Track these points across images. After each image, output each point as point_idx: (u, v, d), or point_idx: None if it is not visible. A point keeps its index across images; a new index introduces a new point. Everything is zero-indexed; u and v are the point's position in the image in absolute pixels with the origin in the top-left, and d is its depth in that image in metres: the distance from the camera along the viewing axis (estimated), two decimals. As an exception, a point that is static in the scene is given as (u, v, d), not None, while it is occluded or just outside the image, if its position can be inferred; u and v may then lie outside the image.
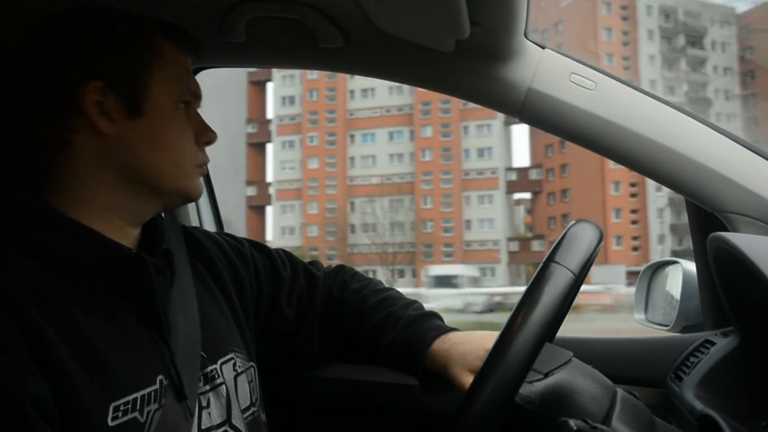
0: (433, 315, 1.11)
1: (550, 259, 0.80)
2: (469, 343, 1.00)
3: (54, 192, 0.85)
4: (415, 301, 1.15)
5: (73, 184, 0.86)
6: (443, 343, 1.03)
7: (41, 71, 0.86)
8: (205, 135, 0.93)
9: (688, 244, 1.32)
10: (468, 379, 0.95)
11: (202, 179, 0.96)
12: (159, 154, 0.88)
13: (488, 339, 0.97)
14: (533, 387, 0.83)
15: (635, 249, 39.87)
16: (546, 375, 0.85)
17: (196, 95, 0.93)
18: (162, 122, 0.88)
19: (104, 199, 0.86)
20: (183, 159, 0.90)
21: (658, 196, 38.43)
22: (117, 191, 0.87)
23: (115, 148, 0.86)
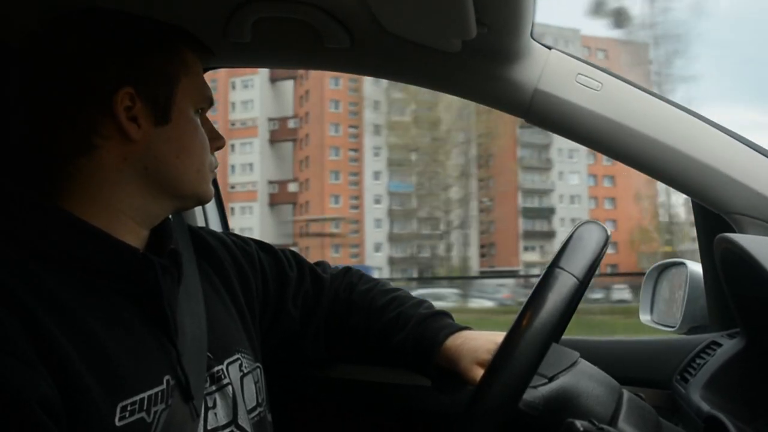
0: (444, 314, 1.11)
1: (555, 264, 0.80)
2: (480, 339, 1.01)
3: (69, 194, 0.85)
4: (425, 300, 1.15)
5: (91, 187, 0.86)
6: (455, 340, 1.04)
7: (67, 76, 0.85)
8: (217, 141, 0.96)
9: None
10: (478, 373, 0.95)
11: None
12: (184, 161, 0.89)
13: (499, 335, 0.98)
14: (537, 392, 0.83)
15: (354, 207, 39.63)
16: (551, 379, 0.84)
17: (211, 102, 0.95)
18: (186, 130, 0.90)
19: (121, 202, 0.87)
20: (203, 165, 0.92)
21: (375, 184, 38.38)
22: (136, 195, 0.87)
23: (141, 154, 0.86)
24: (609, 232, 0.84)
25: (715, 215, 1.07)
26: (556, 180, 40.40)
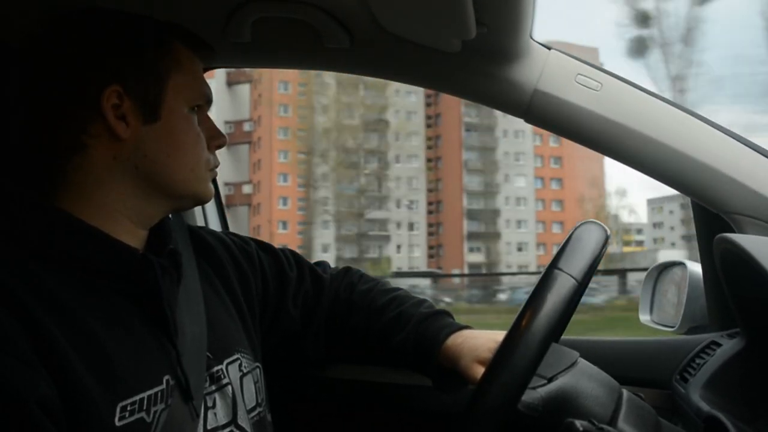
0: (445, 313, 1.11)
1: (554, 265, 0.80)
2: (481, 338, 1.01)
3: (65, 194, 0.85)
4: (425, 300, 1.15)
5: (86, 187, 0.86)
6: (456, 339, 1.04)
7: (62, 75, 0.85)
8: (216, 139, 0.94)
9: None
10: (478, 371, 0.95)
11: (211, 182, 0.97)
12: (175, 159, 0.88)
13: (499, 334, 0.98)
14: (536, 393, 0.83)
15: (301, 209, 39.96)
16: (550, 380, 0.84)
17: (208, 99, 0.94)
18: (178, 128, 0.88)
19: (116, 202, 0.87)
20: (197, 164, 0.91)
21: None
22: (129, 195, 0.87)
23: (131, 153, 0.86)
24: (609, 232, 0.84)
25: (715, 215, 1.07)
26: (502, 182, 40.62)
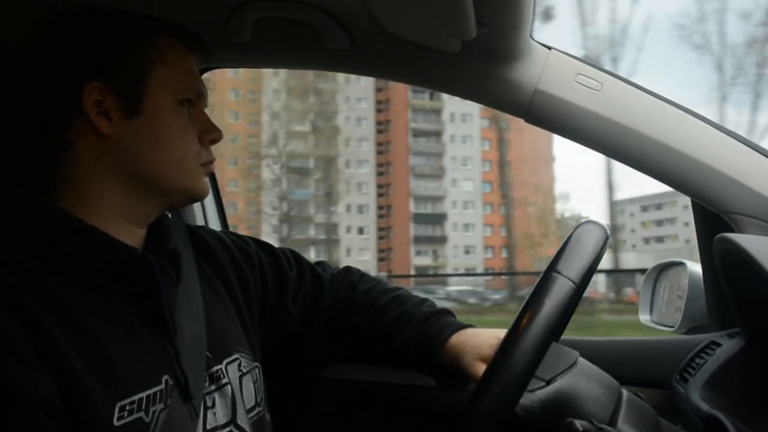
0: (447, 312, 1.11)
1: (552, 268, 0.79)
2: (483, 335, 1.01)
3: (61, 193, 0.86)
4: (426, 299, 1.14)
5: (78, 186, 0.86)
6: (458, 338, 1.03)
7: (42, 72, 0.86)
8: (210, 134, 0.93)
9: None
10: (480, 368, 0.95)
11: (207, 179, 0.95)
12: (159, 154, 0.87)
13: (501, 332, 0.97)
14: (534, 395, 0.83)
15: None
16: (548, 382, 0.84)
17: (199, 94, 0.93)
18: (161, 122, 0.87)
19: (108, 200, 0.87)
20: (184, 158, 0.89)
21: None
22: (120, 192, 0.87)
23: (115, 149, 0.86)
24: (609, 232, 0.84)
25: (715, 215, 1.07)
26: (449, 186, 40.94)
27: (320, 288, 1.17)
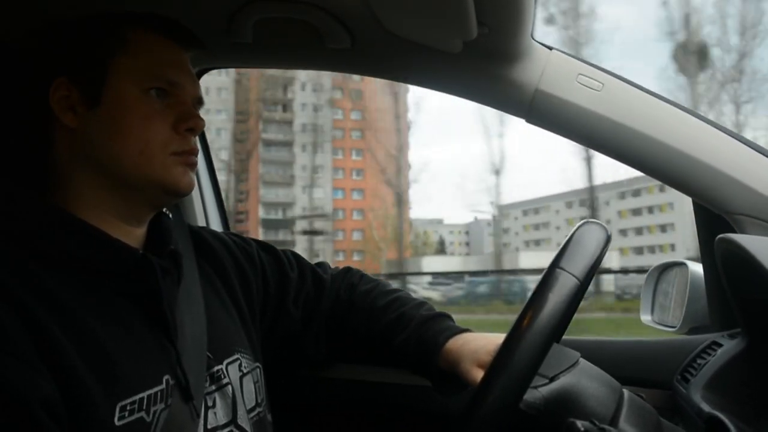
0: (445, 315, 1.11)
1: (555, 264, 0.80)
2: (480, 340, 1.00)
3: (53, 192, 0.87)
4: (425, 302, 1.14)
5: (62, 182, 0.87)
6: (456, 342, 1.03)
7: (15, 73, 0.88)
8: (186, 122, 0.89)
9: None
10: (478, 374, 0.95)
11: (188, 171, 0.90)
12: (118, 143, 0.86)
13: (499, 337, 0.97)
14: (538, 392, 0.83)
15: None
16: (551, 379, 0.84)
17: (170, 82, 0.89)
18: (121, 110, 0.86)
19: (91, 196, 0.87)
20: (147, 147, 0.86)
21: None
22: (96, 188, 0.87)
23: (81, 142, 0.86)
24: (610, 232, 0.84)
25: (716, 216, 1.07)
26: (299, 194, 41.52)
27: (321, 289, 1.17)
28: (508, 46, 1.06)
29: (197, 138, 0.94)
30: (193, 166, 0.91)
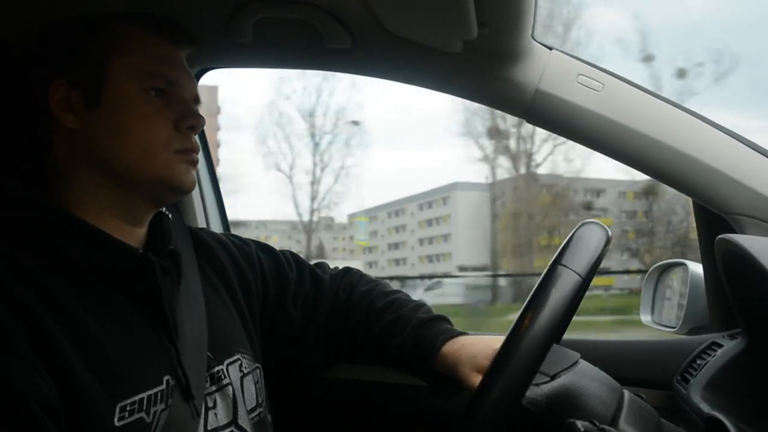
0: (443, 318, 1.11)
1: (557, 261, 0.80)
2: (478, 344, 1.00)
3: (60, 194, 0.86)
4: (423, 304, 1.14)
5: (62, 183, 0.87)
6: (453, 346, 1.03)
7: (14, 76, 0.88)
8: (186, 120, 0.89)
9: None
10: (477, 379, 0.94)
11: (190, 169, 0.91)
12: (121, 141, 0.86)
13: (497, 340, 0.97)
14: (540, 389, 0.83)
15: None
16: (553, 377, 0.84)
17: (169, 81, 0.90)
18: (121, 109, 0.86)
19: (92, 196, 0.87)
20: (149, 145, 0.87)
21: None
22: (98, 187, 0.87)
23: (82, 142, 0.86)
24: (610, 232, 0.84)
25: (716, 216, 1.07)
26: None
27: (320, 289, 1.17)
28: (509, 46, 1.06)
29: (197, 137, 0.94)
30: (195, 163, 0.92)
